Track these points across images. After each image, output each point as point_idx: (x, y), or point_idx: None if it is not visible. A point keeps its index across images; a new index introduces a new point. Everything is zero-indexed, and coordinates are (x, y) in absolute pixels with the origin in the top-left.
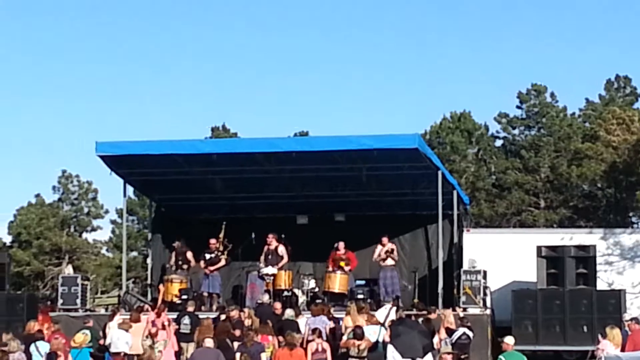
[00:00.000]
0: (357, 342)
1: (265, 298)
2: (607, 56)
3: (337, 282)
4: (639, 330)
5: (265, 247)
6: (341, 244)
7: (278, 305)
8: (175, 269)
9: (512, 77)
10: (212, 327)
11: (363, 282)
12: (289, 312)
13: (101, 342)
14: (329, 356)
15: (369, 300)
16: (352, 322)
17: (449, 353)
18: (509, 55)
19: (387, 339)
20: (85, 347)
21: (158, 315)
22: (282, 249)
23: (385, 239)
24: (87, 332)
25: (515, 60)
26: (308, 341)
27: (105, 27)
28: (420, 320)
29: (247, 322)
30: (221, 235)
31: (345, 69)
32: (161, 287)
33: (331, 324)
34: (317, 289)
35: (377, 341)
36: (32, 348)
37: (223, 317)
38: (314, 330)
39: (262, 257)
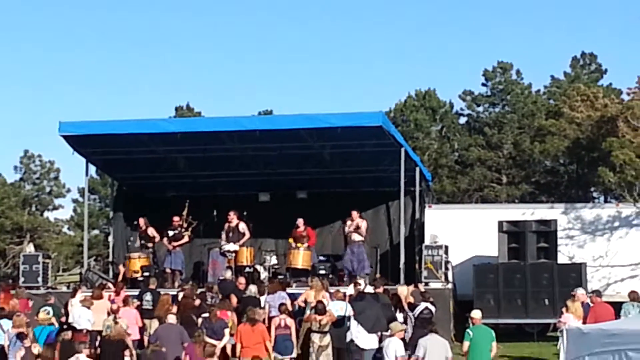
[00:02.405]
0: (318, 317)
1: (228, 274)
2: (573, 33)
3: (300, 258)
4: (600, 302)
5: (226, 225)
6: (300, 221)
7: (242, 280)
8: (139, 247)
9: (478, 55)
10: (171, 302)
11: (325, 258)
12: (252, 289)
13: (62, 319)
14: (294, 331)
15: (330, 276)
16: (314, 297)
17: (401, 330)
18: (474, 33)
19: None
20: (48, 324)
21: (117, 293)
22: (243, 226)
23: (354, 214)
24: (49, 309)
25: (481, 38)
26: (269, 318)
27: (69, 9)
28: (379, 295)
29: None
30: (184, 212)
31: (309, 48)
32: (121, 266)
33: (289, 300)
34: (278, 265)
35: (344, 317)
36: (5, 324)
37: (181, 294)
38: (280, 306)
39: (224, 234)
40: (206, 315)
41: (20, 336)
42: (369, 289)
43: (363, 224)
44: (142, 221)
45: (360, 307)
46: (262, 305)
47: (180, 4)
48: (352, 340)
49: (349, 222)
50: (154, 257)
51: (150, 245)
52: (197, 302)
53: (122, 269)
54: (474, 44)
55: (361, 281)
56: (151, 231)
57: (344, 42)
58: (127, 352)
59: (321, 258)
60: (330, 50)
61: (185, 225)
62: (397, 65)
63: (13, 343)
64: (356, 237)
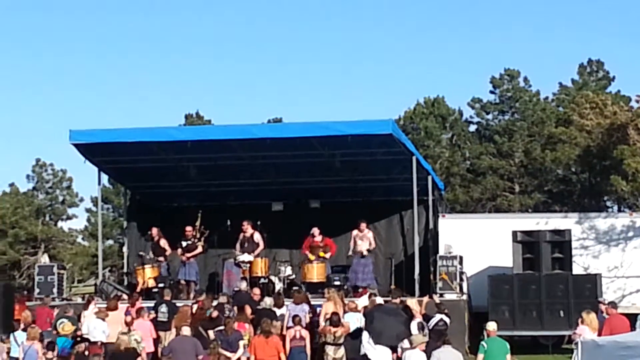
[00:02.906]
0: (332, 329)
1: (243, 285)
2: (580, 40)
3: (315, 272)
4: (615, 314)
5: (241, 235)
6: (316, 230)
7: (257, 292)
8: (151, 258)
9: (485, 62)
10: (189, 314)
11: (339, 268)
12: (267, 301)
13: (78, 332)
14: (308, 343)
15: (345, 287)
16: (333, 309)
17: (423, 343)
18: (482, 40)
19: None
20: (72, 337)
21: (133, 304)
22: (257, 236)
23: (363, 225)
24: (66, 321)
25: (488, 45)
26: (287, 328)
27: (78, 17)
28: (398, 306)
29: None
30: (197, 222)
31: (319, 56)
32: (139, 277)
33: (310, 311)
34: (293, 276)
35: (359, 328)
36: (11, 338)
37: (195, 306)
38: (294, 318)
39: (238, 245)
40: (222, 327)
41: (50, 346)
42: (380, 301)
43: (370, 235)
44: (154, 231)
45: (371, 318)
46: (285, 315)
47: (191, 11)
48: (365, 354)
49: (355, 232)
50: (167, 267)
51: (161, 256)
52: (215, 314)
53: (140, 280)
54: (481, 50)
55: (369, 292)
56: (163, 242)
57: (353, 50)
58: None
59: (335, 269)
60: (339, 58)
61: (198, 235)
62: (405, 72)
63: (29, 356)
64: (362, 248)
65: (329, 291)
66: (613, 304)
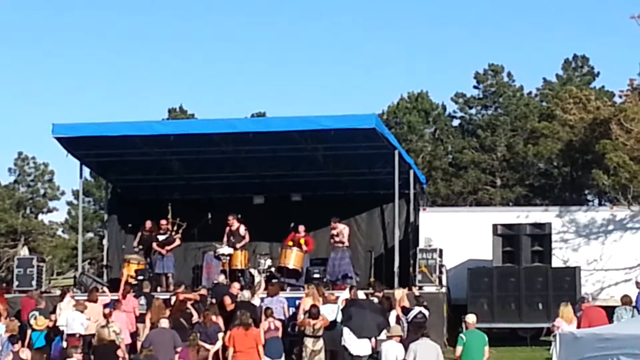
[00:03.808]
0: (312, 321)
1: (222, 278)
2: (564, 36)
3: (292, 259)
4: (590, 306)
5: (227, 228)
6: (302, 227)
7: (237, 286)
8: (139, 250)
9: (469, 57)
10: (164, 307)
11: (319, 261)
12: (246, 293)
13: (50, 324)
14: (281, 334)
15: (324, 279)
16: (312, 304)
17: (397, 335)
18: (466, 35)
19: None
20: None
21: (124, 297)
22: (243, 229)
23: (334, 222)
24: (36, 313)
25: (472, 40)
26: (260, 321)
27: (60, 10)
28: (375, 299)
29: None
30: (169, 215)
31: (302, 50)
32: (124, 269)
33: (286, 304)
34: (273, 269)
35: (335, 320)
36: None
37: (174, 298)
38: (266, 310)
39: (225, 239)
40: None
41: (12, 339)
42: (361, 294)
43: (345, 230)
44: (149, 224)
45: (349, 313)
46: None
47: (172, 5)
48: (346, 348)
49: (331, 229)
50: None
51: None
52: (194, 315)
53: (125, 272)
54: (465, 45)
55: (350, 285)
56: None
57: (337, 45)
58: (119, 355)
59: (315, 262)
60: (323, 53)
61: (176, 228)
62: (389, 67)
63: (5, 347)
64: (338, 243)
65: (308, 287)
66: (585, 299)
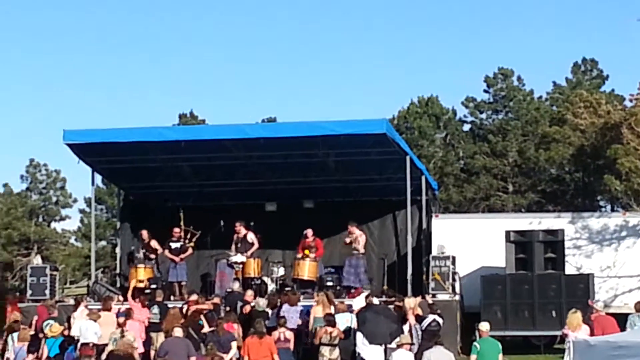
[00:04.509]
0: (329, 330)
1: (236, 286)
2: (573, 39)
3: (306, 270)
4: (599, 314)
5: (235, 235)
6: (309, 232)
7: (250, 293)
8: (142, 258)
9: (479, 61)
10: (179, 316)
11: (332, 269)
12: (260, 302)
13: (65, 332)
14: (292, 345)
15: (338, 288)
16: (322, 312)
17: (409, 343)
18: (476, 39)
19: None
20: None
21: (142, 305)
22: (251, 236)
23: (350, 227)
24: (52, 322)
25: (482, 44)
26: (272, 329)
27: (73, 16)
28: (390, 306)
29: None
30: (181, 223)
31: (313, 55)
32: (132, 281)
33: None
34: (285, 277)
35: (350, 328)
36: (9, 339)
37: (186, 306)
38: (279, 319)
39: (233, 246)
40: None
41: (30, 349)
42: (375, 301)
43: (362, 238)
44: (145, 233)
45: (363, 318)
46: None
47: (184, 10)
48: (358, 354)
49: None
50: (157, 269)
51: (153, 257)
52: (206, 326)
53: (132, 280)
54: (475, 49)
55: (365, 293)
56: (154, 243)
57: (346, 49)
58: None
59: (329, 270)
60: (333, 57)
61: (189, 236)
62: (399, 72)
63: (19, 356)
64: (353, 250)
65: (317, 294)
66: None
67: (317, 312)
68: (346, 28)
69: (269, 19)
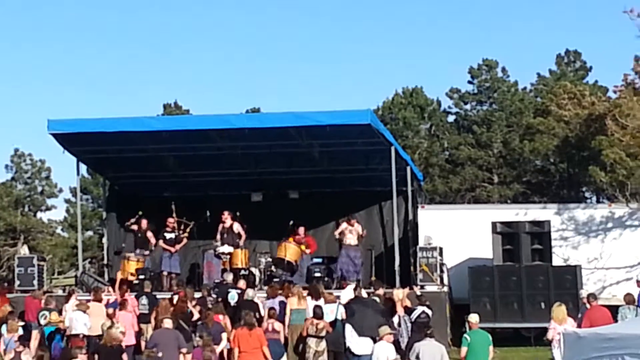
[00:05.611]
0: (315, 321)
1: (230, 277)
2: (557, 31)
3: (289, 252)
4: (596, 306)
5: (220, 226)
6: (301, 229)
7: (242, 283)
8: (136, 248)
9: (463, 53)
10: (170, 307)
11: (320, 260)
12: (250, 292)
13: (61, 324)
14: (282, 336)
15: (326, 279)
16: (297, 304)
17: (389, 334)
18: (460, 30)
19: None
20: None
21: (122, 295)
22: (237, 226)
23: (353, 220)
24: (47, 313)
25: (466, 35)
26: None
27: (57, 8)
28: (377, 298)
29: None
30: (174, 214)
31: (296, 46)
32: (120, 272)
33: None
34: (273, 267)
35: (336, 319)
36: (3, 329)
37: (176, 297)
38: (269, 310)
39: (218, 236)
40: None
41: (21, 340)
42: (364, 293)
43: (360, 229)
44: (144, 223)
45: (352, 310)
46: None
47: (167, 1)
48: (348, 347)
49: (345, 225)
50: (151, 260)
51: (147, 248)
52: (197, 308)
53: (119, 275)
54: (459, 40)
55: (353, 285)
56: (150, 234)
57: (331, 40)
58: (124, 357)
59: (316, 260)
60: (317, 48)
61: (182, 227)
62: (383, 62)
63: (9, 347)
64: (353, 241)
65: (292, 286)
66: (593, 296)
67: (292, 303)
68: (331, 19)
69: (253, 10)
